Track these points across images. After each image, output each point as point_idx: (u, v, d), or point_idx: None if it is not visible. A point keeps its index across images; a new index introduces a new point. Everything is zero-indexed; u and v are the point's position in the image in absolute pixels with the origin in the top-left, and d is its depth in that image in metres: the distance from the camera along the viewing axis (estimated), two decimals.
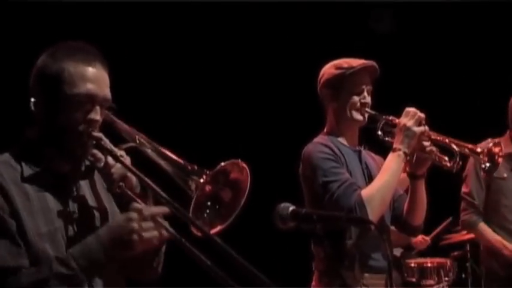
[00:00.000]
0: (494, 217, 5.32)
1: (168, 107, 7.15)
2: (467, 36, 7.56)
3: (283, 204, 2.87)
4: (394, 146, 3.94)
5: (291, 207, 2.85)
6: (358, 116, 4.05)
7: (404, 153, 3.91)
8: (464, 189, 5.38)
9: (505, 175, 5.26)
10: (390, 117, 4.04)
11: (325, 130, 4.16)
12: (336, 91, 4.06)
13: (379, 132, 4.09)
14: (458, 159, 4.00)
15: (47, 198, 2.64)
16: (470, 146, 4.13)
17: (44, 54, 2.74)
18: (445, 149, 4.05)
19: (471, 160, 5.20)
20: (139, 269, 2.83)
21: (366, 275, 3.90)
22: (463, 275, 6.87)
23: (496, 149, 4.14)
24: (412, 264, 6.82)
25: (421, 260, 6.90)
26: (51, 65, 2.68)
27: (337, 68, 4.05)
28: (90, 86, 2.66)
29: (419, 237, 6.96)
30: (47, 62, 2.70)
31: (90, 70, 2.68)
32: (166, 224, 2.54)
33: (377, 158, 4.29)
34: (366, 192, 3.82)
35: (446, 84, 7.74)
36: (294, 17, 7.46)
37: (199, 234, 2.61)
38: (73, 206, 2.71)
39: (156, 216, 2.52)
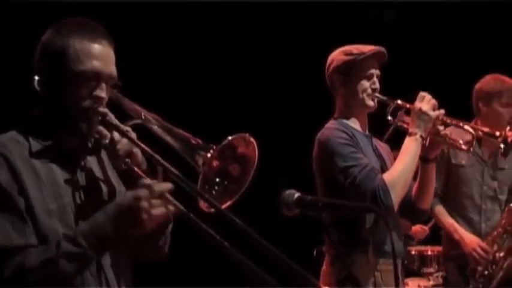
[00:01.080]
0: (454, 205, 5.39)
1: (176, 85, 7.17)
2: (468, 26, 7.58)
3: (288, 191, 2.85)
4: (411, 130, 4.00)
5: (296, 194, 2.82)
6: (369, 102, 4.11)
7: (421, 136, 3.97)
8: None
9: (464, 162, 5.33)
10: (402, 102, 4.14)
11: (335, 116, 4.20)
12: (347, 76, 4.11)
13: (389, 117, 4.18)
14: (474, 142, 4.14)
15: (55, 171, 2.62)
16: (485, 129, 4.31)
17: (48, 29, 2.72)
18: None
19: None
20: (146, 249, 2.81)
21: (380, 260, 3.93)
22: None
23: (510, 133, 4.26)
24: (413, 252, 6.90)
25: (421, 247, 6.97)
26: (56, 40, 2.66)
27: (347, 54, 4.11)
28: (95, 63, 2.64)
29: (418, 227, 7.04)
30: (52, 38, 2.68)
31: (96, 47, 2.66)
32: (173, 199, 2.50)
33: (383, 144, 4.37)
34: (388, 176, 3.88)
35: (448, 70, 7.73)
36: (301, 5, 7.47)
37: (208, 209, 2.61)
38: (81, 176, 2.70)
39: (164, 192, 2.49)
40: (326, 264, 4.03)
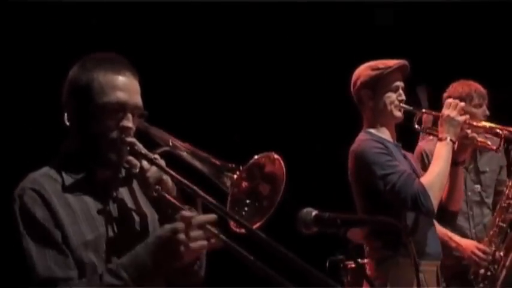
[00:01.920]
0: (444, 215, 5.15)
1: (198, 108, 7.16)
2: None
3: (305, 210, 2.84)
4: (441, 135, 4.23)
5: (314, 212, 2.81)
6: (397, 113, 4.31)
7: (451, 140, 4.20)
8: None
9: None
10: (427, 111, 4.43)
11: (365, 128, 4.37)
12: (374, 90, 4.30)
13: (416, 126, 4.45)
14: (502, 140, 4.41)
15: (88, 203, 2.68)
16: (506, 128, 4.46)
17: (74, 66, 2.79)
18: None
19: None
20: (181, 274, 2.80)
21: (422, 261, 4.05)
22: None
23: None
24: None
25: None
26: (81, 76, 2.73)
27: (374, 69, 4.30)
28: (120, 94, 2.70)
29: None
30: (77, 74, 2.75)
31: (120, 79, 2.72)
32: (216, 231, 2.51)
33: (409, 154, 4.60)
34: (425, 179, 4.08)
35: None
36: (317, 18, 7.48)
37: (239, 229, 2.64)
38: (113, 207, 2.75)
39: (204, 224, 2.50)
40: (370, 269, 4.22)
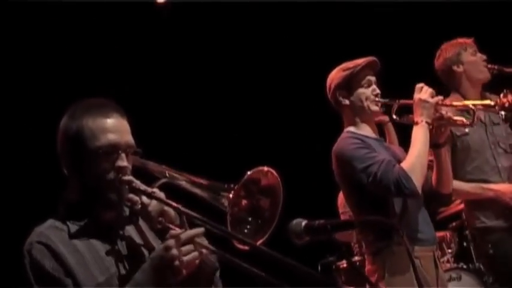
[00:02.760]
0: (470, 176, 5.28)
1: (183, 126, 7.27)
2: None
3: (295, 221, 2.84)
4: (416, 120, 4.24)
5: (303, 222, 2.82)
6: (374, 107, 4.37)
7: (427, 122, 4.22)
8: (430, 156, 5.29)
9: (467, 130, 5.22)
10: (403, 101, 4.41)
11: (345, 129, 4.42)
12: (349, 90, 4.39)
13: (394, 116, 4.48)
14: (475, 115, 4.45)
15: (96, 246, 2.75)
16: (482, 102, 4.61)
17: (63, 117, 2.86)
18: None
19: None
20: None
21: (416, 247, 4.10)
22: (465, 244, 6.81)
23: (506, 98, 4.50)
24: None
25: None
26: (71, 125, 2.80)
27: (345, 69, 4.40)
28: (111, 136, 2.76)
29: None
30: (67, 124, 2.82)
31: (109, 121, 2.79)
32: (205, 242, 2.62)
33: (396, 146, 4.69)
34: (405, 163, 4.13)
35: None
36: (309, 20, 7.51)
37: (243, 247, 2.68)
38: (121, 245, 2.81)
39: (193, 237, 2.60)
40: (369, 263, 4.27)
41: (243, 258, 2.52)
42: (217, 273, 2.88)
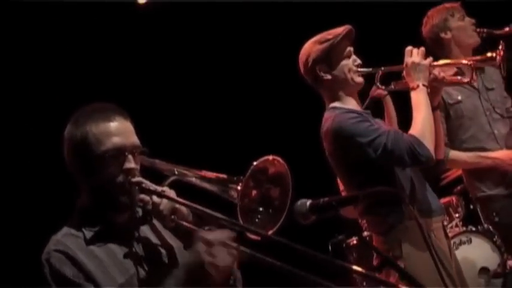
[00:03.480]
0: (459, 144, 5.19)
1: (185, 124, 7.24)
2: None
3: (299, 202, 2.81)
4: (411, 85, 4.02)
5: (308, 202, 2.79)
6: (358, 79, 4.10)
7: (424, 85, 4.01)
8: None
9: (460, 98, 5.15)
10: (387, 67, 4.17)
11: (330, 105, 4.12)
12: (329, 63, 4.09)
13: (380, 85, 4.22)
14: (473, 72, 4.18)
15: (113, 250, 2.78)
16: (477, 57, 4.33)
17: (67, 125, 2.89)
18: None
19: None
20: None
21: (427, 220, 3.95)
22: (471, 206, 6.82)
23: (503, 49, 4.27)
24: None
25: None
26: (75, 132, 2.82)
27: (322, 42, 4.10)
28: (115, 139, 2.79)
29: None
30: (71, 132, 2.85)
31: (112, 125, 2.82)
32: (235, 244, 2.59)
33: (378, 120, 4.30)
34: (414, 130, 3.91)
35: None
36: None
37: (255, 237, 2.70)
38: (138, 247, 2.84)
39: (222, 240, 2.58)
40: (380, 244, 4.01)
41: (256, 248, 2.55)
42: (235, 265, 2.83)
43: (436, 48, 5.21)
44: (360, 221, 4.53)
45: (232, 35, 7.34)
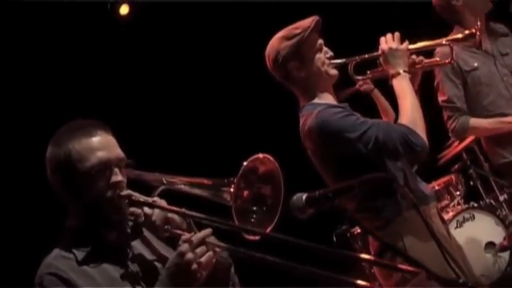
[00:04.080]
0: (485, 111, 5.07)
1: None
2: None
3: (295, 196, 2.74)
4: (392, 71, 3.85)
5: (304, 195, 2.72)
6: (332, 71, 3.89)
7: (405, 71, 3.84)
8: (441, 97, 5.15)
9: (476, 64, 5.06)
10: (361, 57, 3.97)
11: (306, 103, 3.90)
12: (302, 58, 3.86)
13: (356, 76, 4.04)
14: (453, 52, 4.04)
15: (107, 270, 2.71)
16: (458, 35, 4.20)
17: (49, 146, 2.82)
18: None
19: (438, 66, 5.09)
20: None
21: (425, 207, 3.77)
22: (471, 183, 6.80)
23: (468, 31, 4.19)
24: None
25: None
26: (58, 152, 2.76)
27: (290, 37, 3.87)
28: (100, 154, 2.73)
29: None
30: (54, 152, 2.79)
31: (94, 140, 2.76)
32: (215, 240, 2.62)
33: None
34: (404, 118, 3.72)
35: None
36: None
37: (253, 238, 2.67)
38: (134, 267, 2.78)
39: (204, 238, 2.59)
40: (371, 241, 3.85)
41: (255, 249, 2.51)
42: (232, 269, 2.86)
43: (448, 16, 5.10)
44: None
45: (213, 38, 7.31)
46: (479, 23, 4.17)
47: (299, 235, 2.42)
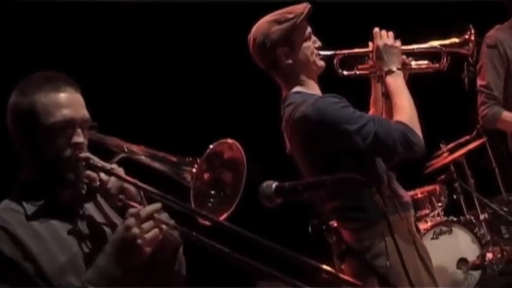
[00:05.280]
0: None
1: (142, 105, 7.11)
2: None
3: (266, 183, 2.71)
4: (386, 69, 3.75)
5: (274, 184, 2.69)
6: (320, 62, 3.77)
7: (398, 69, 3.75)
8: (480, 81, 5.06)
9: None
10: (350, 51, 3.87)
11: (291, 91, 3.75)
12: (291, 45, 3.71)
13: (341, 71, 3.89)
14: (444, 57, 3.90)
15: (55, 227, 2.65)
16: (452, 40, 3.99)
17: (13, 93, 2.73)
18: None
19: (485, 50, 4.97)
20: (164, 276, 2.80)
21: (407, 213, 3.69)
22: (454, 196, 6.81)
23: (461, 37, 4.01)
24: None
25: (410, 192, 6.52)
26: (23, 101, 2.67)
27: (281, 21, 3.70)
28: (65, 111, 2.65)
29: None
30: (18, 100, 2.69)
31: (62, 96, 2.67)
32: (165, 217, 2.58)
33: None
34: (402, 116, 3.60)
35: None
36: None
37: (206, 223, 2.59)
38: (82, 225, 2.72)
39: (153, 213, 2.54)
40: (353, 241, 3.64)
41: (210, 234, 2.46)
42: (181, 250, 2.81)
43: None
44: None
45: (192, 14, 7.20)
46: (473, 30, 3.98)
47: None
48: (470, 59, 4.08)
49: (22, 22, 6.18)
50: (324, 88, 3.81)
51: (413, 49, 3.91)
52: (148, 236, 2.51)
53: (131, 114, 6.75)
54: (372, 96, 4.07)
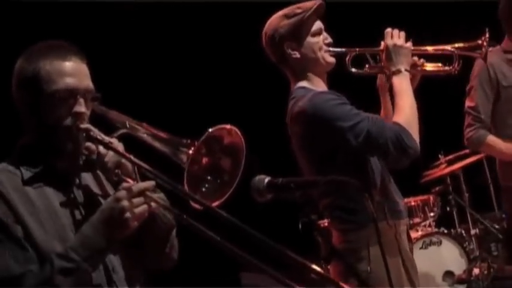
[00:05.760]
0: (505, 129, 4.90)
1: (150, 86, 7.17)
2: None
3: (258, 177, 2.72)
4: (393, 69, 3.73)
5: (267, 179, 2.70)
6: (329, 58, 3.76)
7: (406, 70, 3.72)
8: (469, 102, 4.97)
9: None
10: (362, 49, 3.85)
11: (297, 85, 3.78)
12: (298, 39, 3.74)
13: (353, 69, 3.86)
14: (457, 61, 3.87)
15: (49, 195, 2.65)
16: (464, 43, 3.96)
17: (19, 59, 2.74)
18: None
19: (476, 72, 4.90)
20: (154, 257, 2.81)
21: (396, 221, 3.68)
22: (448, 208, 6.82)
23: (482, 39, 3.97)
24: None
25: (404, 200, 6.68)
26: (27, 67, 2.68)
27: (290, 16, 3.74)
28: (69, 80, 2.65)
29: None
30: (23, 66, 2.70)
31: (67, 64, 2.68)
32: (157, 196, 2.59)
33: None
34: (399, 117, 3.59)
35: None
36: None
37: (198, 207, 2.58)
38: (78, 193, 2.73)
39: (145, 190, 2.54)
40: (341, 241, 3.67)
41: (201, 218, 2.44)
42: (174, 232, 2.81)
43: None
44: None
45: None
46: (487, 35, 3.95)
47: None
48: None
49: (22, 22, 6.19)
50: (336, 86, 3.82)
51: (425, 50, 3.89)
52: (137, 210, 2.52)
53: (138, 102, 6.72)
54: (383, 100, 4.05)
